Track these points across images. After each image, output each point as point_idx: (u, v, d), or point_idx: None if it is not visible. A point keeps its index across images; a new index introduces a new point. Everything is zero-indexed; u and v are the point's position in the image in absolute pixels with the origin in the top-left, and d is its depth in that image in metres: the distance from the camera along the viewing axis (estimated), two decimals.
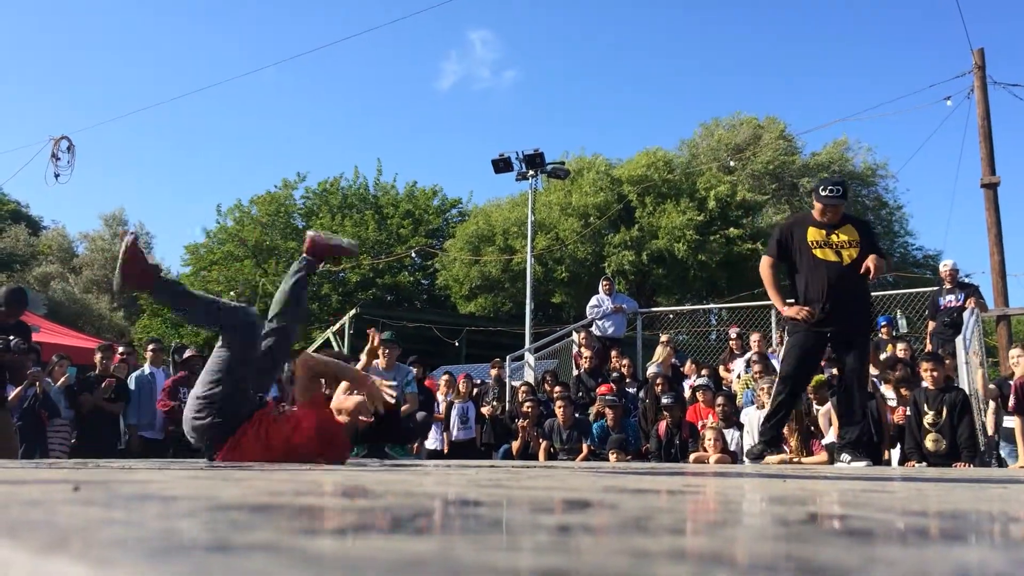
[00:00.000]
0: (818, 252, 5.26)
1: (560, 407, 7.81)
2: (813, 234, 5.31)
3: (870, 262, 5.03)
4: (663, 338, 9.56)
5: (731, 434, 6.95)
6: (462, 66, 61.44)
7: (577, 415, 7.96)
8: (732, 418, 7.13)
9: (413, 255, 23.26)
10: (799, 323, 5.23)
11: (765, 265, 5.53)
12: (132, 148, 63.09)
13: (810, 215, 5.44)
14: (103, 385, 7.13)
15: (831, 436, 6.18)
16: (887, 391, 6.82)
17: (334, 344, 15.88)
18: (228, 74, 74.22)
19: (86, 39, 62.91)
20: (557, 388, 8.19)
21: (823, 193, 5.32)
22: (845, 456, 5.34)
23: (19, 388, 6.42)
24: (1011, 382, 6.30)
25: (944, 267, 9.10)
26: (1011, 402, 6.05)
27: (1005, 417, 6.68)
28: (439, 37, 62.82)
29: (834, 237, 5.27)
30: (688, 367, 9.10)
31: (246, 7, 63.47)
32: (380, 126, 64.95)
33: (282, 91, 63.02)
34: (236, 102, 66.42)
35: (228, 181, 64.13)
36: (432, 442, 8.47)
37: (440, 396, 8.81)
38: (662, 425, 7.35)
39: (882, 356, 7.71)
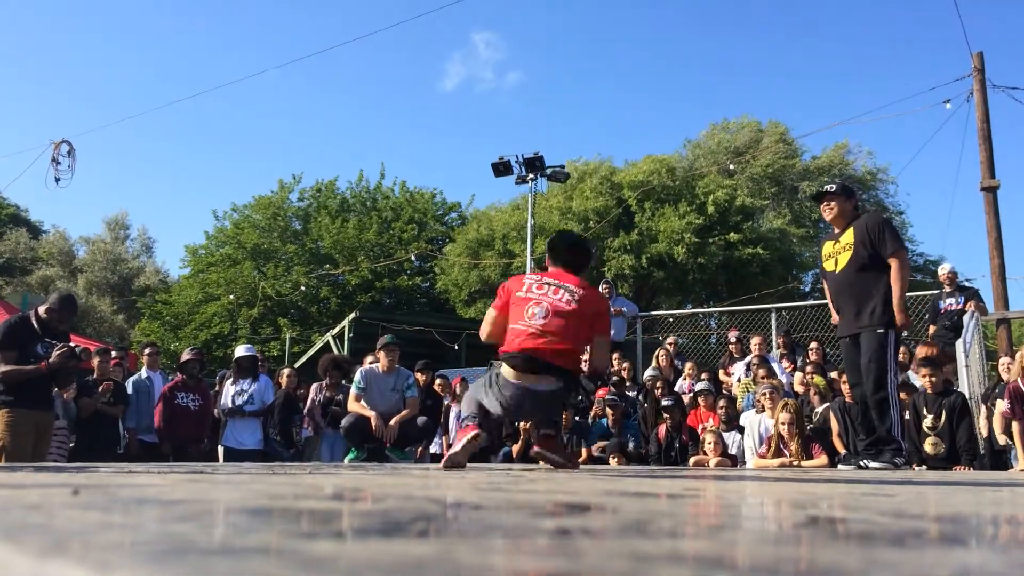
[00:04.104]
0: (827, 264, 5.24)
1: None
2: (826, 248, 5.30)
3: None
4: (670, 340, 9.56)
5: (731, 437, 6.95)
6: (466, 67, 61.49)
7: (577, 419, 7.95)
8: (732, 421, 7.13)
9: (413, 258, 23.21)
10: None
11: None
12: (135, 150, 62.98)
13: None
14: (100, 389, 7.12)
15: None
16: None
17: (334, 347, 15.86)
18: (232, 76, 74.31)
19: (88, 40, 62.90)
20: None
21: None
22: (864, 460, 5.10)
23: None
24: (1006, 387, 6.30)
25: (943, 271, 9.17)
26: (1006, 407, 6.06)
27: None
28: (442, 38, 62.90)
29: (837, 245, 5.15)
30: (689, 369, 9.08)
31: (252, 9, 63.52)
32: (383, 127, 64.90)
33: (285, 93, 62.93)
34: (239, 104, 66.36)
35: (230, 183, 64.09)
36: (431, 446, 8.45)
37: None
38: (662, 428, 7.34)
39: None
